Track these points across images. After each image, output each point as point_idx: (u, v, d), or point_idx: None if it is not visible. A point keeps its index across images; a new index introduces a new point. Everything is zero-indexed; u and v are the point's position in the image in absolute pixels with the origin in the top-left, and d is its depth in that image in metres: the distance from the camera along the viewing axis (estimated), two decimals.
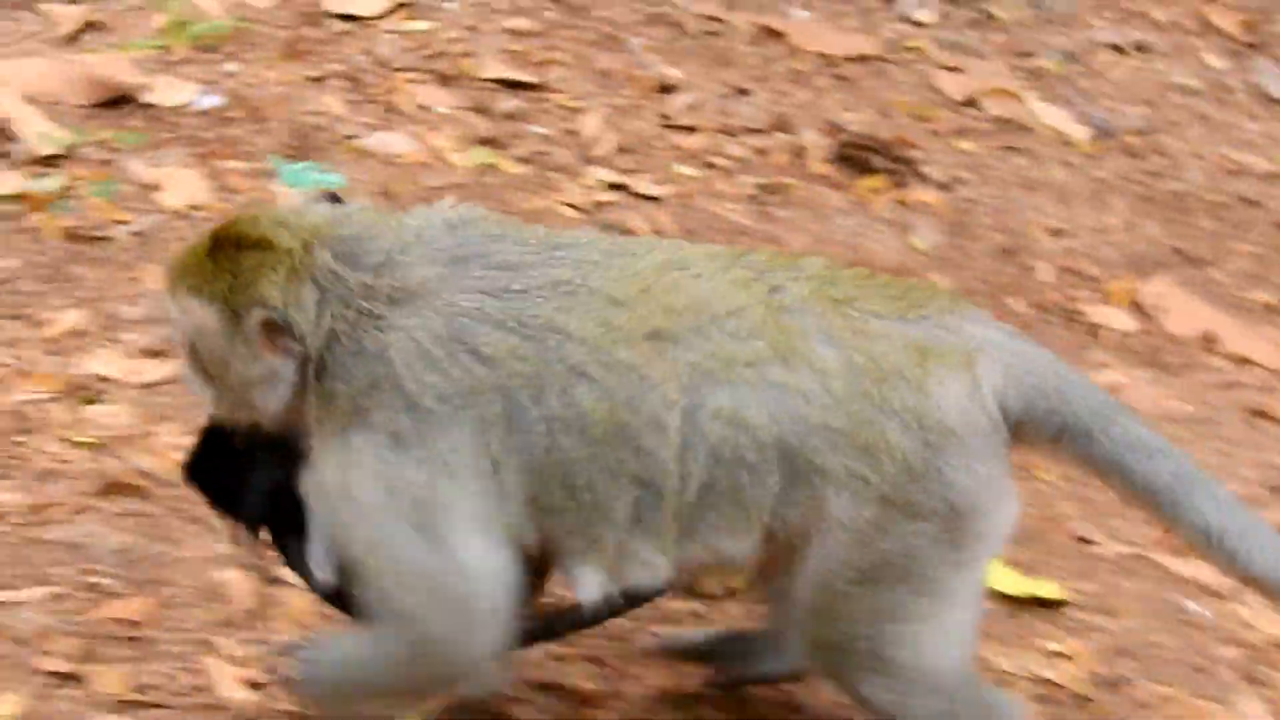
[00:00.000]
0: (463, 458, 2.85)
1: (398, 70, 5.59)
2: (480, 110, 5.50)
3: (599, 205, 5.20)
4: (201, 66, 5.48)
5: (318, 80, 5.51)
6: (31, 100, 5.09)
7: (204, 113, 5.26)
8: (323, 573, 3.04)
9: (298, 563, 3.12)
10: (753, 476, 2.87)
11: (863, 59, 6.18)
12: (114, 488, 3.67)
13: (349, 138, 5.25)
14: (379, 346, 2.86)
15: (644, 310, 2.89)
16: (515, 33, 5.85)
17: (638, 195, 5.27)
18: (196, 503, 3.48)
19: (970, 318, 3.01)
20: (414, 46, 5.71)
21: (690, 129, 5.63)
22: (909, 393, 2.87)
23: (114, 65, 5.32)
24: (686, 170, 5.45)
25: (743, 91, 5.87)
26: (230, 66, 5.50)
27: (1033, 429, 2.96)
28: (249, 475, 3.12)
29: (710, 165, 5.51)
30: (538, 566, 3.06)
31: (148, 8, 5.74)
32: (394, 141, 5.27)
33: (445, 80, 5.60)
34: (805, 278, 2.96)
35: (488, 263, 2.92)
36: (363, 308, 2.88)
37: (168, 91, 5.29)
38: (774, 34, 6.18)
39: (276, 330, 2.89)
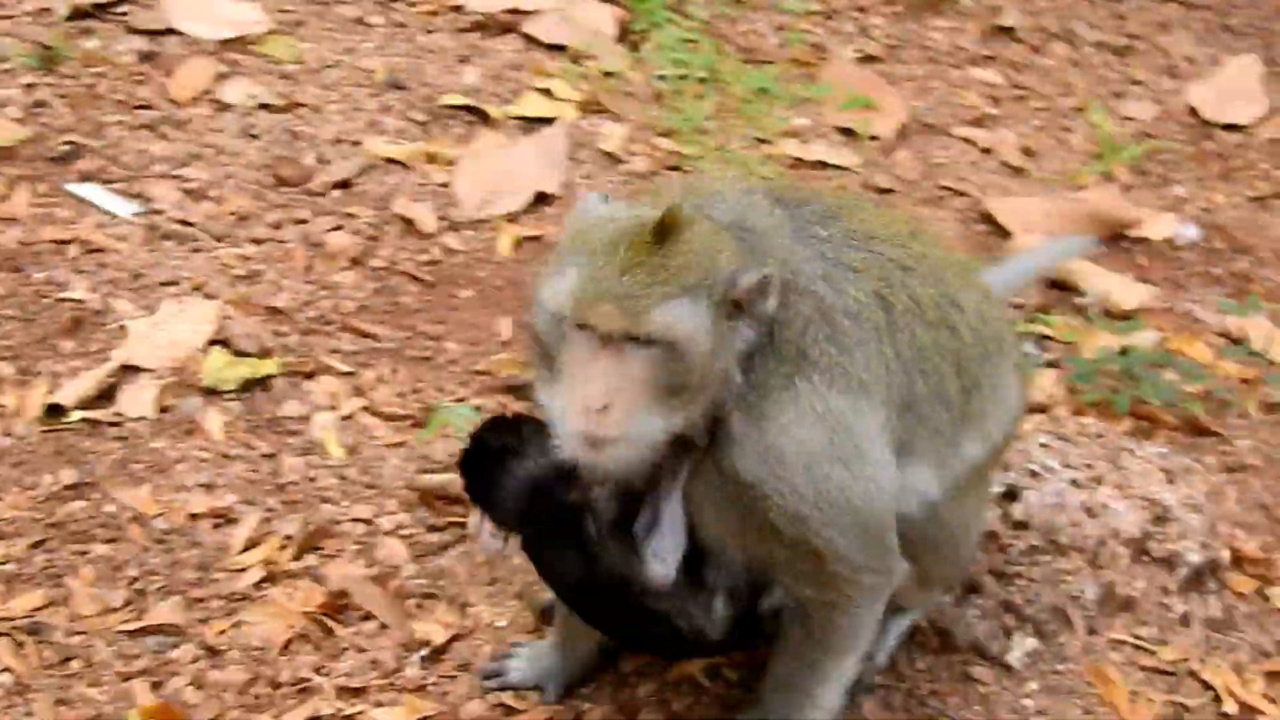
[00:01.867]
0: (872, 374, 2.86)
1: None
2: None
3: None
4: (1151, 191, 5.37)
5: (1259, 200, 5.43)
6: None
7: (1193, 245, 5.16)
8: (664, 566, 2.92)
9: (543, 563, 3.10)
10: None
11: None
12: None
13: None
14: (803, 280, 2.83)
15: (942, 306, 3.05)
16: None
17: None
18: None
19: None
20: None
21: None
22: None
23: (1106, 199, 5.18)
24: None
25: None
26: (1178, 190, 5.40)
27: None
28: (511, 471, 3.04)
29: None
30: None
31: (1047, 126, 5.60)
32: None
33: None
34: None
35: (820, 244, 2.93)
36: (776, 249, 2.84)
37: (1154, 224, 5.17)
38: None
39: (758, 293, 2.74)
